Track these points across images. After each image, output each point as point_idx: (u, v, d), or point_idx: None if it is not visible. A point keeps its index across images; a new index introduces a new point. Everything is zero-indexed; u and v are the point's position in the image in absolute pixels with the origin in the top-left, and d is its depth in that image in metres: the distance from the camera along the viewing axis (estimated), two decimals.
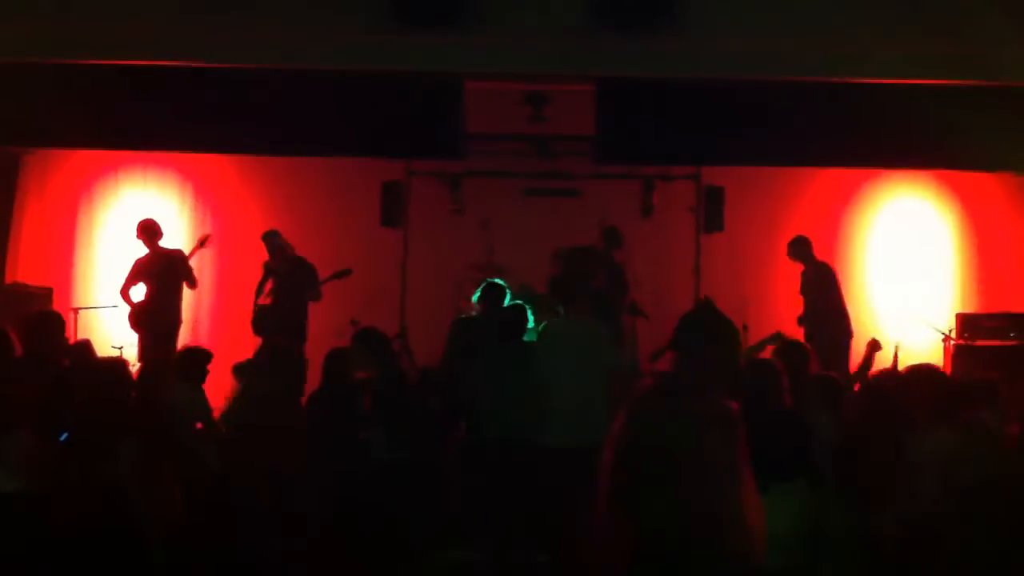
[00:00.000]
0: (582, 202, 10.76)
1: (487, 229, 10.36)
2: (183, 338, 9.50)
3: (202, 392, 6.79)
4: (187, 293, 9.67)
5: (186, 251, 9.73)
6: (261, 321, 9.30)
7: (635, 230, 10.33)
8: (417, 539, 5.04)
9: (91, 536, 4.46)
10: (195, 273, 9.60)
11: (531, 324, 6.81)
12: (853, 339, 9.27)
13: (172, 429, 5.61)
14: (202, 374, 6.80)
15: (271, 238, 9.52)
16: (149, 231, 9.50)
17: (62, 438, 5.05)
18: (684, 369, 3.64)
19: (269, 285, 9.47)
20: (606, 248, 9.56)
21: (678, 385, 3.58)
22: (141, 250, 9.52)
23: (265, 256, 9.57)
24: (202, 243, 9.79)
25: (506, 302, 7.41)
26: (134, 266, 9.46)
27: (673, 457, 3.38)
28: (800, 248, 9.70)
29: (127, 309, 9.37)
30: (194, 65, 8.48)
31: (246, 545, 4.91)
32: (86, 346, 7.48)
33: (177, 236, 10.39)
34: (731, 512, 3.36)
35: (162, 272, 9.39)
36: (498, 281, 7.69)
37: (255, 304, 9.44)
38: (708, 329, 3.79)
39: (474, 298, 7.58)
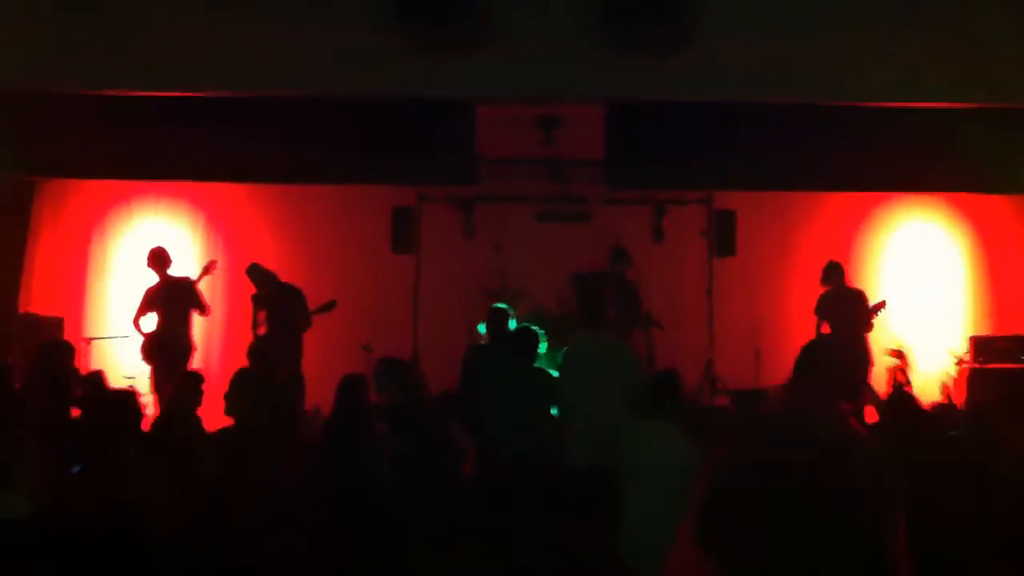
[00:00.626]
0: (593, 227, 10.75)
1: (499, 253, 10.35)
2: (196, 365, 9.46)
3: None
4: (199, 320, 9.65)
5: (202, 283, 9.74)
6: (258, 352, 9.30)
7: (647, 255, 10.32)
8: (429, 555, 5.01)
9: (99, 552, 4.45)
10: (205, 300, 9.57)
11: (543, 348, 6.79)
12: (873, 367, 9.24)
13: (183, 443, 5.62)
14: (197, 396, 6.68)
15: (255, 270, 9.55)
16: (158, 259, 9.51)
17: (74, 470, 5.05)
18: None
19: (262, 315, 9.49)
20: (615, 268, 9.54)
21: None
22: (152, 279, 9.52)
23: (244, 290, 9.62)
24: (208, 271, 9.75)
25: (511, 325, 7.43)
26: (145, 296, 9.46)
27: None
28: (830, 273, 9.63)
29: (140, 340, 9.35)
30: (206, 95, 8.52)
31: (245, 548, 4.89)
32: (99, 377, 7.47)
33: (189, 264, 10.40)
34: None
35: (172, 300, 9.39)
36: (501, 306, 7.70)
37: (254, 337, 9.42)
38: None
39: (480, 328, 7.60)
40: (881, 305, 9.33)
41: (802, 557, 2.91)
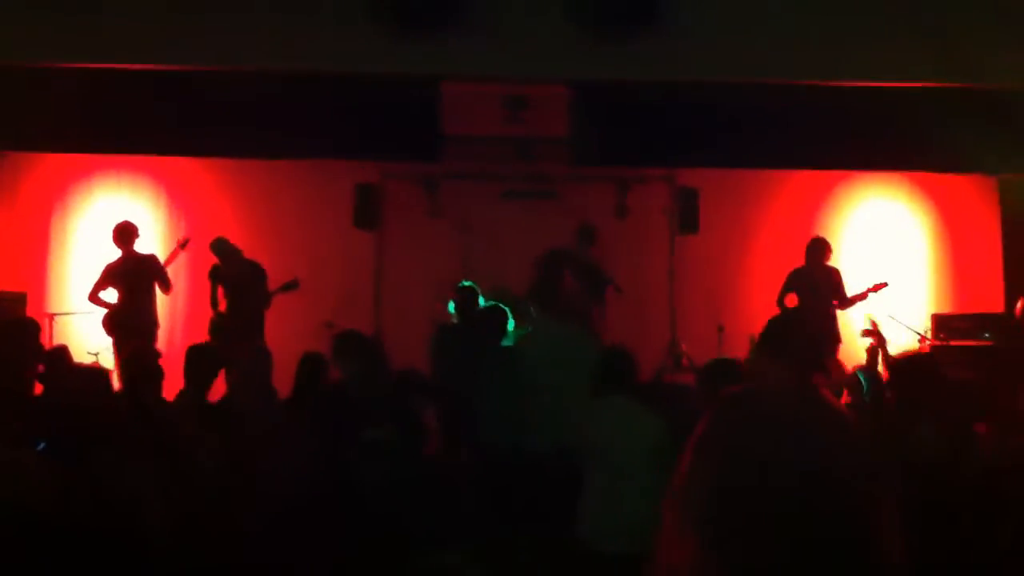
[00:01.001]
0: (558, 204, 10.79)
1: (463, 231, 10.34)
2: (160, 342, 9.41)
3: None
4: (162, 297, 9.57)
5: (162, 254, 9.67)
6: (221, 329, 9.30)
7: (610, 232, 10.35)
8: (409, 542, 5.01)
9: (89, 544, 4.43)
10: (168, 277, 9.47)
11: (511, 326, 6.80)
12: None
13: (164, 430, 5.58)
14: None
15: (221, 244, 9.48)
16: (125, 234, 9.37)
17: (39, 447, 5.01)
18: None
19: (221, 291, 9.47)
20: (580, 247, 9.56)
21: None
22: (115, 253, 9.41)
23: (207, 266, 9.59)
24: (182, 246, 9.73)
25: (480, 302, 7.41)
26: (105, 270, 9.31)
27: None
28: (816, 248, 9.68)
29: (102, 313, 9.26)
30: (165, 68, 8.43)
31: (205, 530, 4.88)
32: (63, 352, 7.40)
33: (151, 239, 10.32)
34: None
35: (134, 275, 9.26)
36: (467, 283, 7.69)
37: (214, 313, 9.44)
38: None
39: (450, 308, 7.56)
40: (883, 285, 9.40)
41: (795, 539, 2.92)
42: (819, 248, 9.61)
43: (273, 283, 9.29)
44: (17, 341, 6.41)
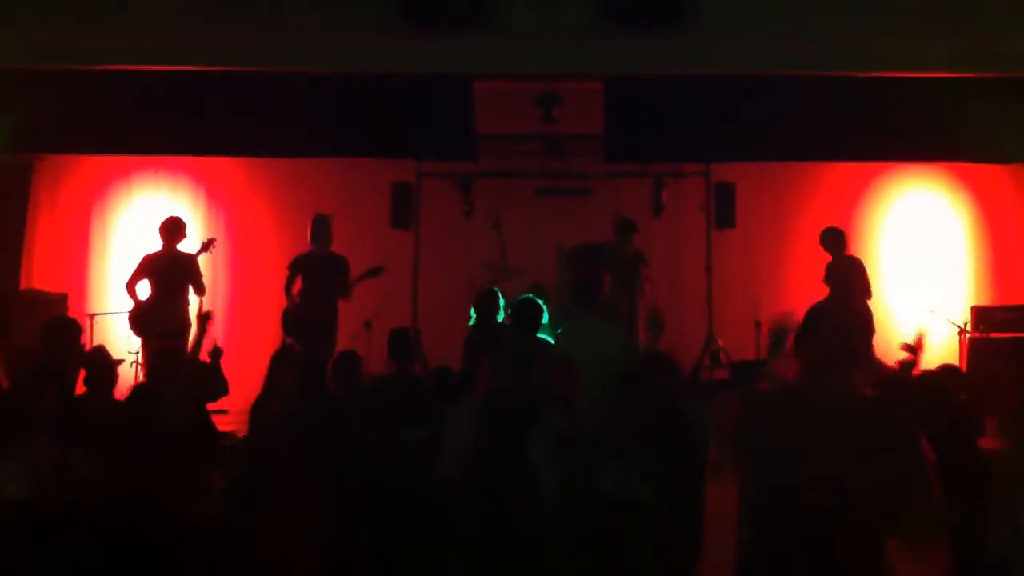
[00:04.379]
0: (593, 201, 10.77)
1: (498, 229, 10.34)
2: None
3: None
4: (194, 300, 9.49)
5: (203, 257, 9.63)
6: (296, 323, 8.93)
7: (646, 228, 10.31)
8: (431, 546, 5.03)
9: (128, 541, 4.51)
10: (202, 279, 9.31)
11: (545, 319, 6.79)
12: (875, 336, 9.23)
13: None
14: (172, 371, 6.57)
15: (324, 221, 9.18)
16: (172, 229, 9.24)
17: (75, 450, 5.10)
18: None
19: (298, 283, 9.13)
20: (619, 240, 9.51)
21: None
22: (155, 248, 9.28)
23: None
24: (206, 247, 9.47)
25: (501, 304, 7.40)
26: (142, 260, 9.16)
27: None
28: (831, 239, 9.60)
29: (129, 308, 9.10)
30: (204, 69, 8.51)
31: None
32: (101, 352, 7.45)
33: (191, 239, 10.38)
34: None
35: (168, 272, 9.09)
36: (492, 289, 7.67)
37: (288, 303, 9.10)
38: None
39: (472, 313, 7.54)
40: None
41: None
42: (835, 238, 9.54)
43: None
44: (60, 342, 6.47)
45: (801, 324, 3.59)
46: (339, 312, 9.08)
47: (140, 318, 9.03)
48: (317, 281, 9.04)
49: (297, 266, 9.15)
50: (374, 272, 9.12)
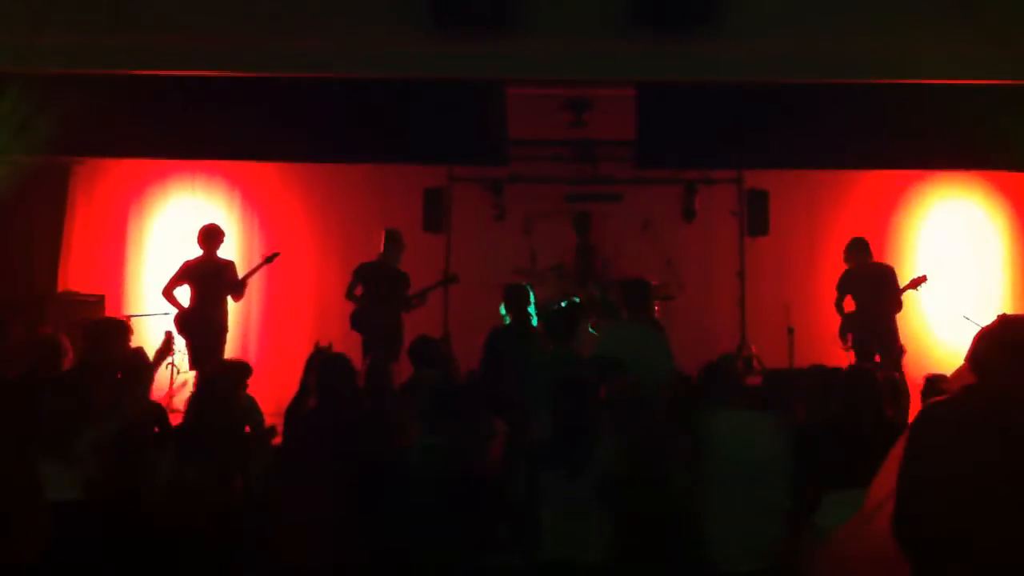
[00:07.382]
0: (624, 207, 10.76)
1: (529, 234, 10.37)
2: (230, 347, 9.48)
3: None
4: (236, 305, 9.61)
5: (236, 256, 9.69)
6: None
7: (678, 234, 10.32)
8: (458, 544, 5.03)
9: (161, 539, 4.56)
10: (244, 287, 9.44)
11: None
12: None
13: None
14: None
15: (397, 237, 9.48)
16: (210, 236, 9.38)
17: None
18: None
19: (359, 290, 9.34)
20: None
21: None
22: (195, 254, 9.42)
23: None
24: (268, 260, 9.62)
25: (532, 300, 7.41)
26: (182, 267, 9.31)
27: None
28: (854, 250, 9.58)
29: (174, 312, 9.23)
30: (240, 75, 8.58)
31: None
32: (140, 354, 7.49)
33: (226, 242, 10.46)
34: None
35: (207, 277, 9.23)
36: (522, 284, 7.67)
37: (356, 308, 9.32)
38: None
39: (502, 310, 7.54)
40: (922, 279, 9.30)
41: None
42: (859, 248, 9.50)
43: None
44: (107, 342, 6.48)
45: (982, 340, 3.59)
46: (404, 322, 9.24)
47: (183, 320, 9.17)
48: (383, 288, 9.28)
49: (361, 273, 9.38)
50: (450, 280, 9.58)
